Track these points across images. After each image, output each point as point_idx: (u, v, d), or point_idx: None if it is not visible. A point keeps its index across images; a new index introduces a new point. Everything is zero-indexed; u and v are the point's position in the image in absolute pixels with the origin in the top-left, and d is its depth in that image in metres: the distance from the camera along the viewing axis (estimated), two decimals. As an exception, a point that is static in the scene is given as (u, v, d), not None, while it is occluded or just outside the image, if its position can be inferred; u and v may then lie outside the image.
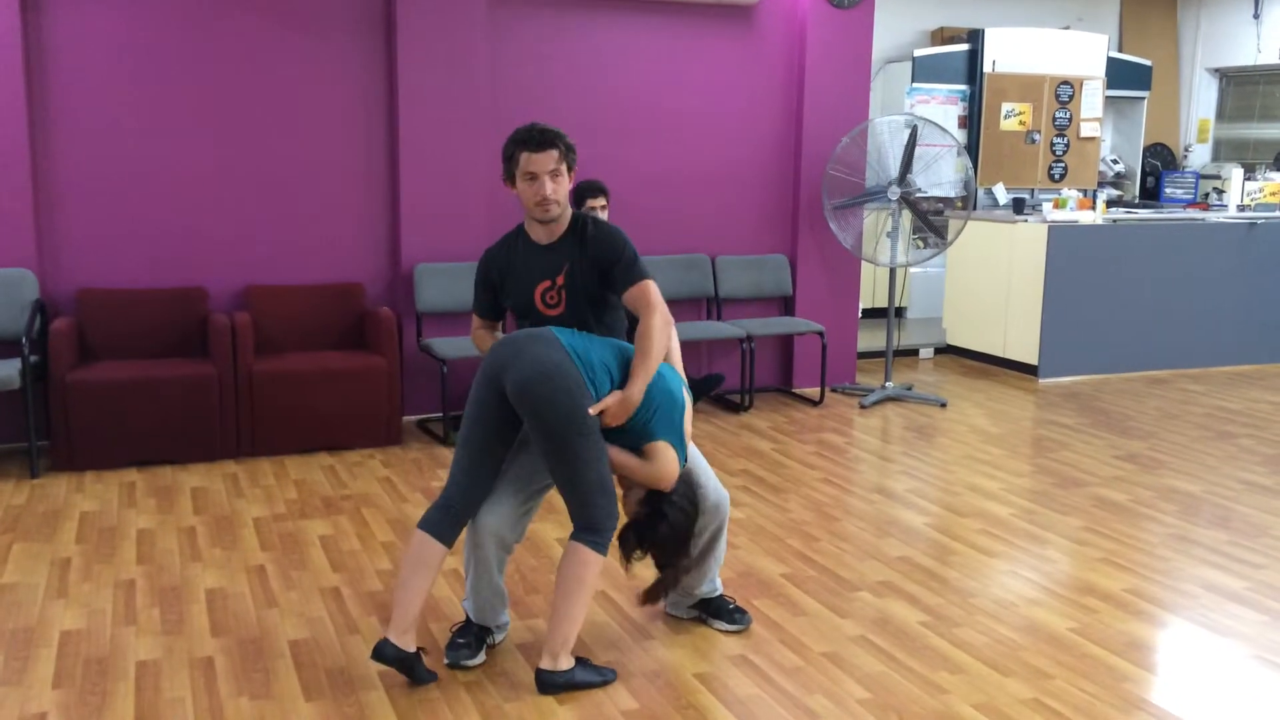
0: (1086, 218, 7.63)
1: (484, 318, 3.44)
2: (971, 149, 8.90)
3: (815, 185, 6.81)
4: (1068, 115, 9.17)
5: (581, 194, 4.80)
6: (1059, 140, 9.19)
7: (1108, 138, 10.30)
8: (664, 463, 3.08)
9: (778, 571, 4.00)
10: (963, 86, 8.94)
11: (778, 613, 3.64)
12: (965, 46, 8.97)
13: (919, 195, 6.76)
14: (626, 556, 3.15)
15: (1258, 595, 3.84)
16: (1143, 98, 10.06)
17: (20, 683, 3.11)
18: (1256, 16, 10.43)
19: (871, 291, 8.95)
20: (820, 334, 6.65)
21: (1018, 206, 7.94)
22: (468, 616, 3.30)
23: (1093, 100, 9.25)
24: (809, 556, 4.16)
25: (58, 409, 5.05)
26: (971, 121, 8.98)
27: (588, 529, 3.02)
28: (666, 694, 3.09)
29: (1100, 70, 9.29)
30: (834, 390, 7.02)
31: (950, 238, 7.01)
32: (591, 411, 2.95)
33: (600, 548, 3.02)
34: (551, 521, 4.46)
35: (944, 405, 6.68)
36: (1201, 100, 11.04)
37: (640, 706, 3.01)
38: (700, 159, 6.66)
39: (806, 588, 3.86)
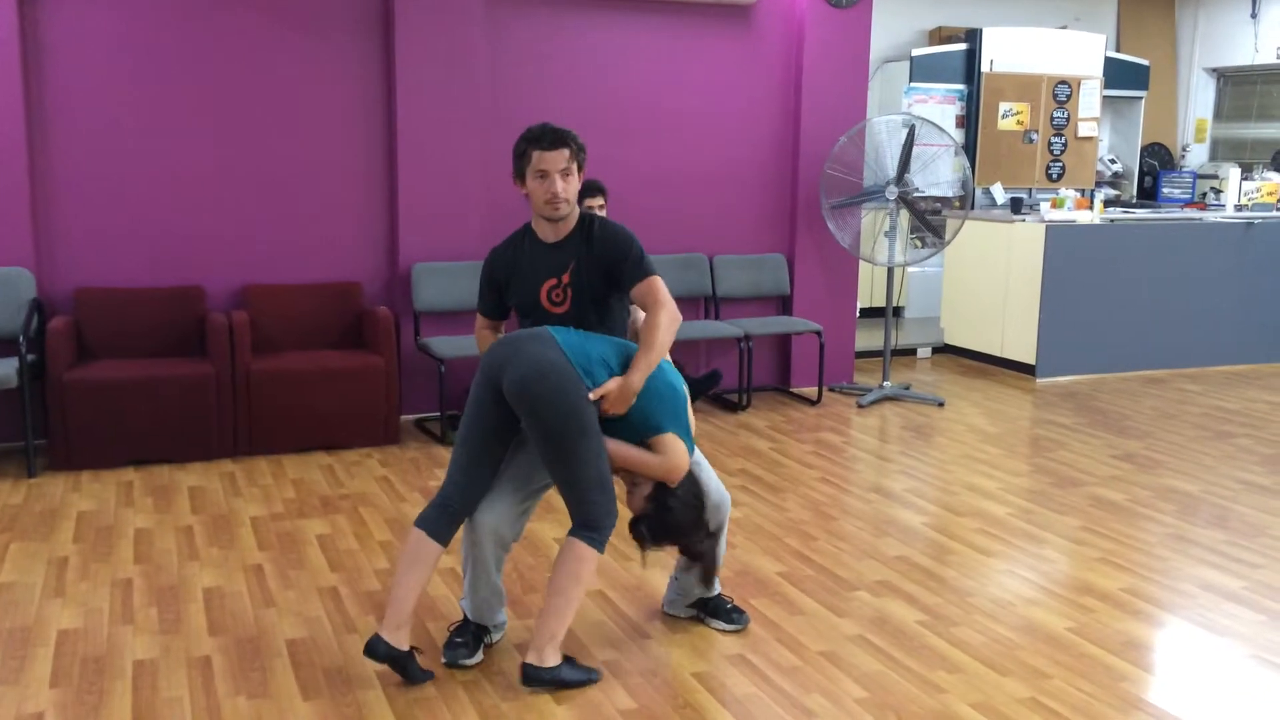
0: (1084, 217, 7.63)
1: (488, 317, 3.45)
2: (969, 148, 8.90)
3: (813, 185, 6.82)
4: (1065, 115, 9.18)
5: (579, 193, 4.80)
6: (1057, 140, 9.19)
7: (1105, 137, 10.31)
8: (673, 455, 3.08)
9: (775, 571, 4.00)
10: (960, 86, 8.94)
11: (775, 612, 3.64)
12: (963, 46, 8.97)
13: (917, 195, 6.76)
14: (641, 549, 3.16)
15: (1255, 595, 3.85)
16: (1140, 97, 10.06)
17: (17, 682, 3.10)
18: (1254, 16, 10.43)
19: (869, 291, 8.95)
20: (818, 333, 6.65)
21: (1015, 206, 7.94)
22: (465, 615, 3.30)
23: (1090, 100, 9.25)
24: (807, 556, 4.16)
25: (55, 408, 5.04)
26: (969, 121, 8.98)
27: (586, 526, 3.02)
28: (664, 693, 3.09)
29: (1098, 70, 9.29)
30: (832, 390, 7.02)
31: (948, 237, 7.01)
32: (591, 397, 2.96)
33: (598, 545, 3.03)
34: (549, 521, 4.46)
35: (942, 405, 6.69)
36: (1199, 100, 11.05)
37: (638, 706, 3.01)
38: (698, 158, 6.66)
39: (804, 587, 3.86)
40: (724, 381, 6.74)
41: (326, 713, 2.96)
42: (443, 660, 3.23)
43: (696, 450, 3.37)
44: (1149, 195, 10.47)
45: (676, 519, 3.10)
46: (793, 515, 4.63)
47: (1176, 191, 10.09)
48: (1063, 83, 9.12)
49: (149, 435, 5.18)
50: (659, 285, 3.22)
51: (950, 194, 7.97)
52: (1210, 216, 8.18)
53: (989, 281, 7.78)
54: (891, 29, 9.49)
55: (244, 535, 4.32)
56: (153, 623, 3.51)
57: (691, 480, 3.16)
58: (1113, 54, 9.71)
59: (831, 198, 6.71)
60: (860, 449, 5.71)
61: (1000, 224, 7.68)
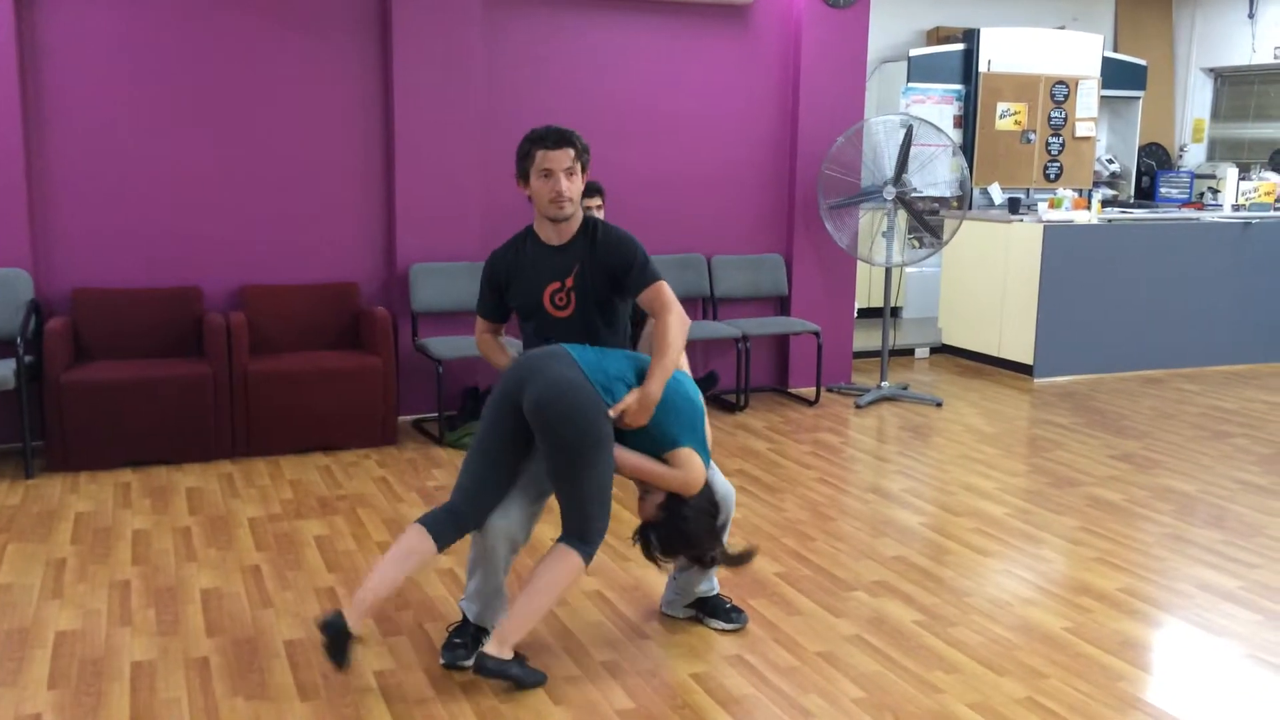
0: (1082, 217, 7.64)
1: (489, 320, 3.45)
2: (967, 149, 8.90)
3: (811, 185, 6.82)
4: (1063, 115, 9.18)
5: (578, 194, 4.80)
6: (1054, 140, 9.19)
7: (1103, 137, 10.31)
8: (690, 469, 3.09)
9: (773, 571, 4.00)
10: (958, 86, 8.95)
11: (773, 612, 3.64)
12: (960, 46, 8.97)
13: (914, 195, 6.77)
14: (646, 556, 3.18)
15: (1252, 595, 3.85)
16: (1138, 97, 10.07)
17: (15, 683, 3.10)
18: (1251, 16, 10.44)
19: (867, 291, 8.95)
20: (816, 334, 6.65)
21: (1013, 206, 7.95)
22: (465, 617, 3.30)
23: (1088, 100, 9.26)
24: (804, 556, 4.16)
25: (52, 409, 5.04)
26: (967, 121, 8.98)
27: (580, 537, 3.04)
28: (662, 694, 3.09)
29: (1095, 70, 9.29)
30: (830, 390, 7.02)
31: (946, 237, 7.01)
32: (611, 414, 2.97)
33: (586, 557, 3.05)
34: (548, 522, 4.46)
35: (939, 405, 6.69)
36: (1196, 100, 11.06)
37: (636, 706, 3.02)
38: (696, 159, 6.67)
39: (802, 587, 3.86)
40: (722, 382, 6.74)
41: (324, 713, 2.96)
42: (441, 661, 3.23)
43: None
44: (1146, 195, 10.48)
45: (690, 529, 3.11)
46: (790, 516, 4.64)
47: (1174, 191, 10.10)
48: (1060, 83, 9.12)
49: (147, 436, 5.18)
50: (665, 290, 3.22)
51: (948, 194, 7.97)
52: (1208, 216, 8.19)
53: (987, 282, 7.79)
54: (889, 29, 9.49)
55: (242, 536, 4.32)
56: (151, 624, 3.51)
57: (706, 490, 3.17)
58: (1110, 54, 9.72)
59: (829, 198, 6.71)
60: (858, 449, 5.71)
61: (998, 224, 7.68)
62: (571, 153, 3.19)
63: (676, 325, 3.14)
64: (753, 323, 6.58)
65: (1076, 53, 9.21)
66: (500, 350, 3.47)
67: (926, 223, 6.75)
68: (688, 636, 3.46)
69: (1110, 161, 10.37)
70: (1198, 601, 3.79)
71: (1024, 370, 7.54)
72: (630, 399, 3.02)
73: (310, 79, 5.80)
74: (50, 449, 5.10)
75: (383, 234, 6.05)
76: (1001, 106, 8.97)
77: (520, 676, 3.07)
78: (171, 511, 4.60)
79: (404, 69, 5.84)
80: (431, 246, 6.02)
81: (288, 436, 5.42)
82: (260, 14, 5.67)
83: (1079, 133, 9.29)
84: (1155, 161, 10.84)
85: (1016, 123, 9.06)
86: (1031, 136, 9.10)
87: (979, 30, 8.91)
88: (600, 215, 4.92)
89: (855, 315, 7.23)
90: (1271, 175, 9.05)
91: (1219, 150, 11.09)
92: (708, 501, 3.16)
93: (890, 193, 6.62)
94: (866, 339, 8.02)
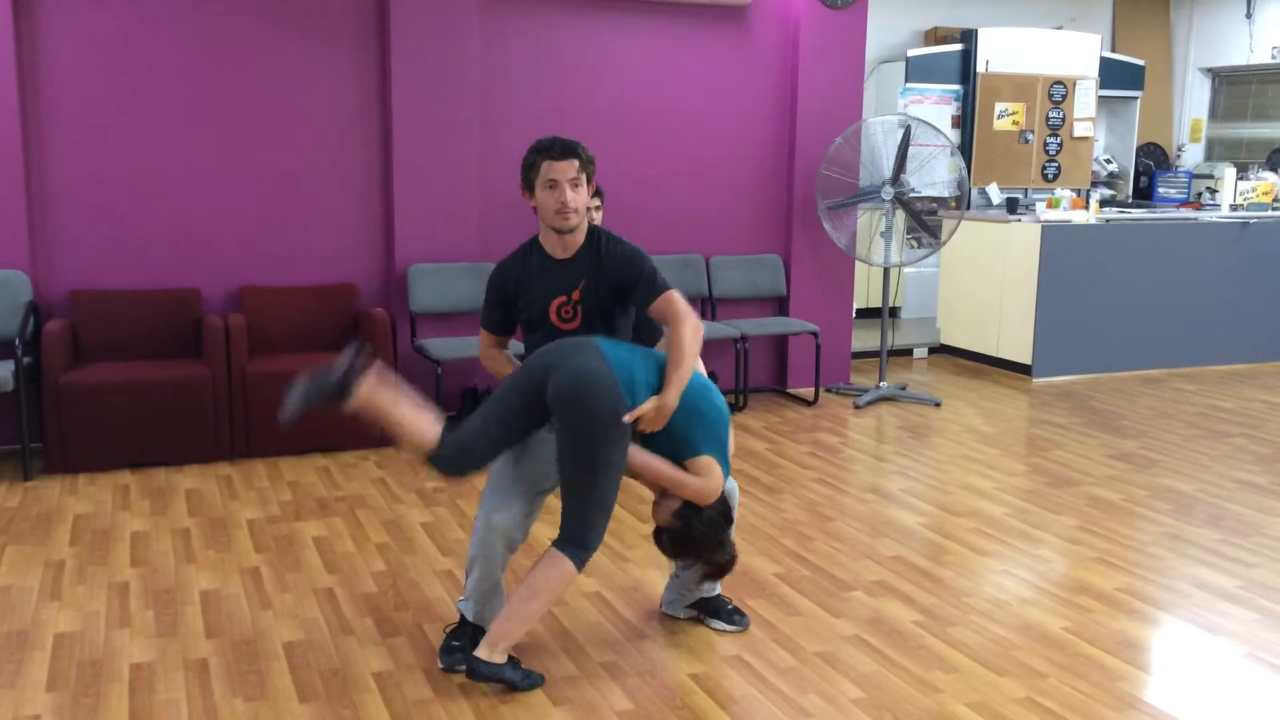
0: (1080, 217, 7.64)
1: (494, 333, 3.44)
2: (965, 149, 8.91)
3: (809, 185, 6.82)
4: (1061, 115, 9.19)
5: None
6: (1052, 140, 9.20)
7: (1101, 137, 10.32)
8: (710, 478, 3.10)
9: (772, 571, 4.00)
10: (956, 86, 8.96)
11: (772, 613, 3.64)
12: (958, 46, 8.98)
13: (913, 195, 6.77)
14: (669, 558, 3.21)
15: (1250, 594, 3.85)
16: (1136, 97, 10.08)
17: (14, 686, 3.10)
18: (1249, 16, 10.45)
19: (865, 291, 8.96)
20: (814, 334, 6.66)
21: (1011, 206, 7.95)
22: (463, 617, 3.30)
23: (1086, 100, 9.27)
24: (803, 556, 4.17)
25: (51, 411, 5.04)
26: (965, 121, 8.99)
27: (577, 543, 3.03)
28: (661, 694, 3.09)
29: (1093, 70, 9.30)
30: (828, 390, 7.02)
31: (944, 237, 7.01)
32: (627, 419, 2.96)
33: (580, 564, 3.04)
34: (548, 523, 4.46)
35: (938, 405, 6.69)
36: (1194, 100, 11.06)
37: (635, 707, 3.02)
38: (694, 159, 6.67)
39: (801, 588, 3.86)
40: (720, 383, 6.74)
41: (323, 715, 2.96)
42: (439, 665, 3.23)
43: None
44: (1144, 195, 10.49)
45: (702, 537, 3.12)
46: (789, 516, 4.64)
47: (1172, 191, 10.11)
48: (1058, 83, 9.13)
49: (145, 438, 5.18)
50: (676, 299, 3.20)
51: (946, 194, 7.98)
52: (1206, 216, 8.19)
53: (985, 282, 7.79)
54: (887, 29, 9.50)
55: (240, 538, 4.32)
56: (149, 625, 3.51)
57: (721, 501, 3.17)
58: (1108, 54, 9.73)
59: (828, 198, 6.71)
60: (857, 449, 5.71)
61: (996, 224, 7.69)
62: (576, 163, 3.18)
63: (690, 335, 3.12)
64: (751, 323, 6.58)
65: (1074, 53, 9.22)
66: (508, 364, 3.45)
67: (925, 223, 6.75)
68: (687, 637, 3.46)
69: (1108, 161, 10.38)
70: (1196, 601, 3.79)
71: (1022, 370, 7.54)
72: (648, 406, 3.01)
73: (308, 81, 5.80)
74: (49, 451, 5.10)
75: (381, 235, 6.05)
76: (999, 107, 8.98)
77: (514, 680, 3.07)
78: (170, 513, 4.60)
79: (402, 69, 5.84)
80: (430, 248, 6.02)
81: (286, 438, 5.42)
82: (258, 16, 5.67)
83: (1077, 133, 9.30)
84: (1153, 161, 10.85)
85: (1014, 123, 9.06)
86: (1029, 136, 9.11)
87: (977, 30, 8.91)
88: (599, 217, 4.92)
89: (854, 315, 7.24)
90: (1269, 175, 9.06)
91: (1217, 150, 11.10)
92: (720, 512, 3.16)
93: (888, 193, 6.62)
94: (865, 339, 8.02)
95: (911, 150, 6.62)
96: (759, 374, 7.02)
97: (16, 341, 5.02)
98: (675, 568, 3.55)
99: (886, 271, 6.93)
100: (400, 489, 4.96)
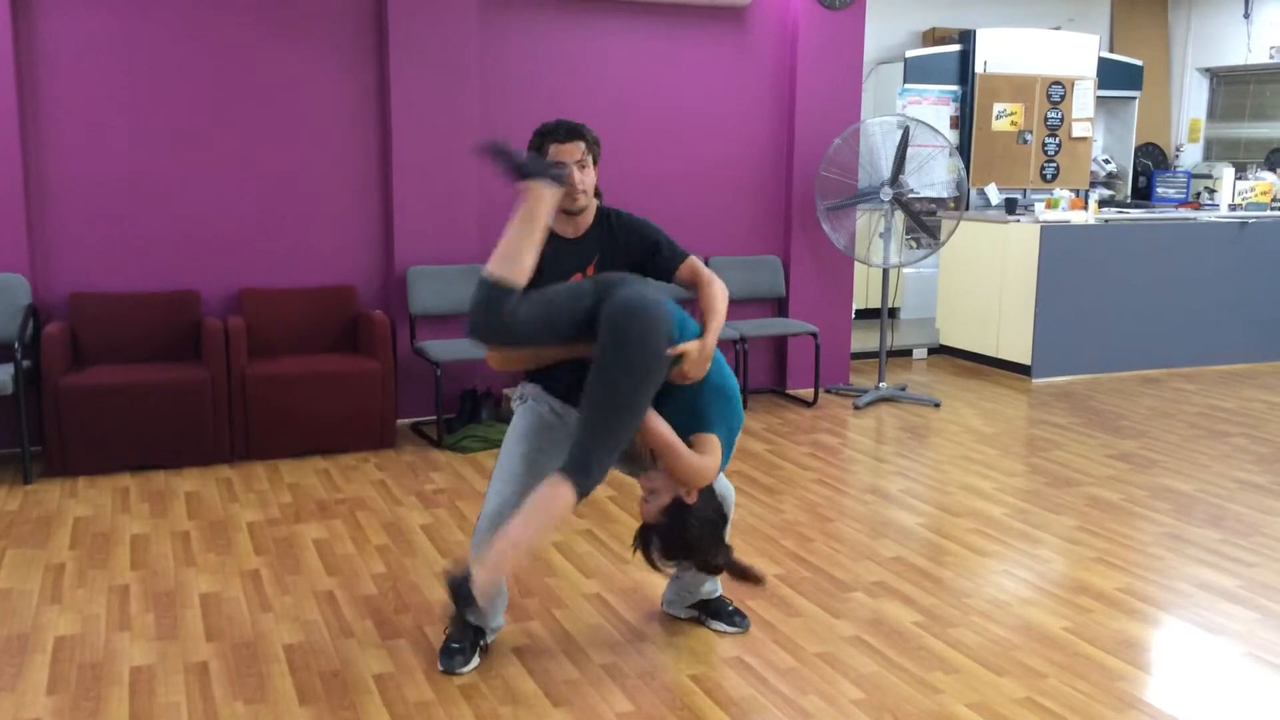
0: (1079, 218, 7.64)
1: None
2: (963, 149, 8.91)
3: (808, 186, 6.82)
4: (1059, 115, 9.19)
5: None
6: (1051, 140, 9.20)
7: (1099, 138, 10.33)
8: (712, 456, 3.03)
9: (772, 572, 4.00)
10: (954, 87, 8.96)
11: (772, 614, 3.64)
12: (957, 47, 8.98)
13: (911, 196, 6.77)
14: (648, 561, 3.10)
15: (1250, 593, 3.86)
16: (1134, 98, 10.08)
17: (14, 689, 3.10)
18: (1247, 16, 10.46)
19: (864, 292, 8.95)
20: (814, 335, 6.66)
21: (1010, 207, 7.95)
22: (463, 618, 3.29)
23: (1084, 100, 9.27)
24: (803, 557, 4.17)
25: (50, 414, 5.04)
26: (963, 122, 8.99)
27: (581, 470, 2.87)
28: (661, 695, 3.09)
29: (1092, 70, 9.30)
30: (828, 391, 7.03)
31: (943, 238, 7.02)
32: (672, 352, 2.95)
33: (581, 491, 2.86)
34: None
35: (938, 405, 6.69)
36: (1192, 100, 11.07)
37: (635, 708, 3.02)
38: (693, 160, 6.67)
39: (801, 589, 3.86)
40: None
41: (324, 717, 2.96)
42: (439, 667, 3.22)
43: None
44: (1143, 195, 10.49)
45: (694, 534, 3.03)
46: (789, 517, 4.64)
47: (1171, 191, 10.11)
48: (1056, 83, 9.13)
49: (145, 441, 5.17)
50: (698, 263, 3.31)
51: (945, 195, 7.98)
52: (1204, 216, 8.20)
53: (984, 282, 7.79)
54: (885, 30, 9.50)
55: (240, 540, 4.32)
56: (150, 628, 3.50)
57: (712, 495, 3.13)
58: (1106, 54, 9.73)
59: (827, 199, 6.72)
60: (856, 450, 5.71)
61: (995, 225, 7.69)
62: (582, 145, 3.22)
63: (720, 293, 3.22)
64: (750, 324, 6.58)
65: (1073, 53, 9.23)
66: (518, 355, 3.41)
67: (924, 223, 6.75)
68: (687, 639, 3.46)
69: (1107, 162, 10.38)
70: (1196, 601, 3.79)
71: (1022, 370, 7.54)
72: (691, 345, 3.00)
73: (308, 82, 5.80)
74: (48, 454, 5.09)
75: (380, 237, 6.05)
76: (998, 107, 8.98)
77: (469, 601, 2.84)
78: (170, 516, 4.60)
79: (401, 70, 5.84)
80: (429, 249, 6.02)
81: (286, 440, 5.42)
82: (256, 18, 5.67)
83: (1075, 133, 9.30)
84: (1152, 161, 10.85)
85: (1013, 123, 9.07)
86: (1028, 137, 9.11)
87: (975, 31, 8.92)
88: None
89: (853, 316, 7.24)
90: (1268, 175, 9.07)
91: (1215, 150, 11.10)
92: (714, 511, 3.11)
93: (887, 194, 6.62)
94: (864, 340, 8.02)
95: (910, 151, 6.63)
96: (758, 375, 7.02)
97: (16, 345, 5.02)
98: (676, 569, 3.54)
99: (885, 272, 6.93)
100: (400, 491, 4.96)
